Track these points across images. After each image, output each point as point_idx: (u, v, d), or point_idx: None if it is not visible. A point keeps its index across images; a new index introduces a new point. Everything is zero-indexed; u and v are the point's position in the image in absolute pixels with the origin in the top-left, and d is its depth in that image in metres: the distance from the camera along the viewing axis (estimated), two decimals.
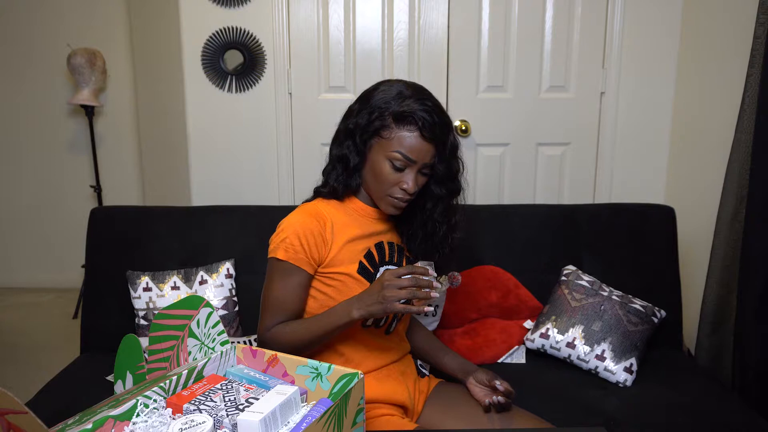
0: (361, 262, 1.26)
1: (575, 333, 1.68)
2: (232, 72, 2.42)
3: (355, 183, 1.27)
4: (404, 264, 1.34)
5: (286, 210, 1.36)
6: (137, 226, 1.83)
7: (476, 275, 1.83)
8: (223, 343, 1.03)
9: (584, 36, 2.42)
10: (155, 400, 0.88)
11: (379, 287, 1.11)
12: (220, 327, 1.03)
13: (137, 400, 0.85)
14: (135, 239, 1.80)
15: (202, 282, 1.72)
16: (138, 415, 0.85)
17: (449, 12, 2.39)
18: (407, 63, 2.43)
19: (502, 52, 2.43)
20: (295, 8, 2.38)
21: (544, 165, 2.53)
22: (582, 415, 1.47)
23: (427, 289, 1.10)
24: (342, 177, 1.27)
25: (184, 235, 1.82)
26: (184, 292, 1.70)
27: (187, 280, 1.72)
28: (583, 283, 1.75)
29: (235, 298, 1.76)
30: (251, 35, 2.38)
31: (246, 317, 1.77)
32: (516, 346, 1.78)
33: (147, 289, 1.70)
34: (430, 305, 1.10)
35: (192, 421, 0.81)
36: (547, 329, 1.72)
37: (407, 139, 1.18)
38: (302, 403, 0.93)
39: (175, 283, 1.71)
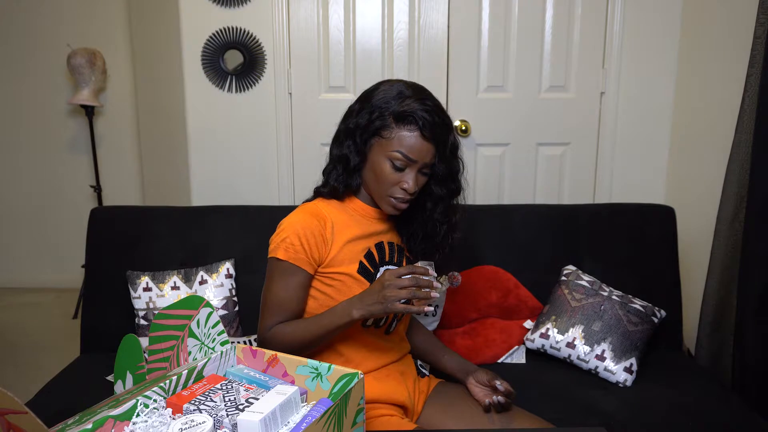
0: (361, 262, 1.26)
1: (575, 333, 1.68)
2: (232, 72, 2.42)
3: (355, 183, 1.27)
4: (404, 264, 1.34)
5: (286, 210, 1.36)
6: (137, 226, 1.83)
7: (476, 275, 1.83)
8: (223, 343, 1.03)
9: (584, 36, 2.42)
10: (155, 400, 0.88)
11: (380, 287, 1.11)
12: (220, 327, 1.03)
13: (137, 400, 0.85)
14: (135, 239, 1.80)
15: (202, 282, 1.72)
16: (138, 415, 0.85)
17: (449, 12, 2.39)
18: (407, 63, 2.42)
19: (502, 52, 2.43)
20: (295, 8, 2.38)
21: (544, 165, 2.53)
22: (582, 415, 1.47)
23: (427, 289, 1.10)
24: (342, 177, 1.27)
25: (184, 235, 1.82)
26: (184, 292, 1.70)
27: (187, 280, 1.72)
28: (583, 283, 1.75)
29: (235, 298, 1.76)
30: (251, 35, 2.38)
31: (246, 317, 1.77)
32: (516, 346, 1.78)
33: (147, 289, 1.70)
34: (430, 305, 1.10)
35: (192, 421, 0.81)
36: (547, 329, 1.72)
37: (407, 138, 1.18)
38: (302, 403, 0.93)
39: (175, 283, 1.71)
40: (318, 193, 1.32)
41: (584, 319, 1.68)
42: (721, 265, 1.88)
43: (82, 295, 2.86)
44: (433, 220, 1.31)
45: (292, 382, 0.98)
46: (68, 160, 3.43)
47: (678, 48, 2.40)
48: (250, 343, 1.67)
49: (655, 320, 1.72)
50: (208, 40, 2.38)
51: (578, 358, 1.66)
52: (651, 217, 1.89)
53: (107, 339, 1.67)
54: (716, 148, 2.09)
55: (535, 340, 1.73)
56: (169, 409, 0.88)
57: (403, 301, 1.10)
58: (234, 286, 1.76)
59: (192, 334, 1.01)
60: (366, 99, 1.24)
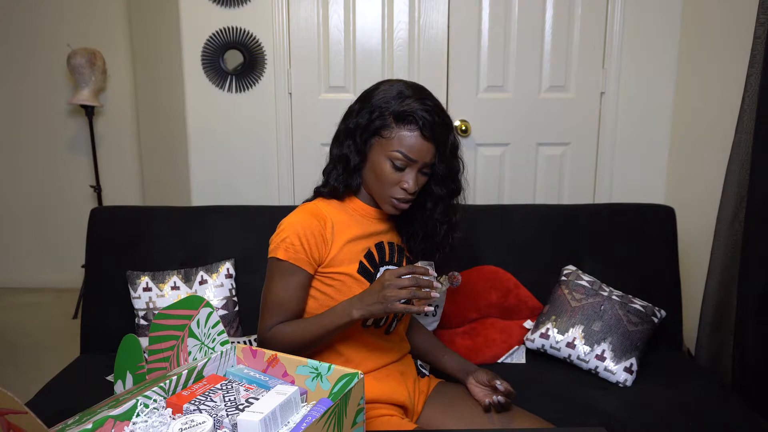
0: (361, 262, 1.26)
1: (575, 333, 1.68)
2: (232, 72, 2.42)
3: (355, 183, 1.27)
4: (404, 264, 1.34)
5: (286, 210, 1.36)
6: (137, 226, 1.83)
7: (476, 275, 1.83)
8: (223, 343, 1.03)
9: (584, 36, 2.42)
10: (155, 400, 0.88)
11: (380, 287, 1.11)
12: (220, 327, 1.03)
13: (137, 400, 0.85)
14: (135, 239, 1.80)
15: (202, 282, 1.72)
16: (138, 415, 0.85)
17: (449, 12, 2.39)
18: (407, 63, 2.42)
19: (502, 52, 2.43)
20: (295, 8, 2.38)
21: (544, 165, 2.53)
22: (582, 415, 1.47)
23: (428, 289, 1.10)
24: (342, 177, 1.27)
25: (184, 235, 1.82)
26: (184, 292, 1.70)
27: (187, 280, 1.72)
28: (583, 283, 1.75)
29: (235, 298, 1.76)
30: (251, 35, 2.38)
31: (246, 317, 1.77)
32: (516, 346, 1.78)
33: (147, 289, 1.70)
34: (430, 305, 1.10)
35: (192, 421, 0.81)
36: (547, 329, 1.72)
37: (408, 138, 1.18)
38: (302, 403, 0.93)
39: (175, 283, 1.71)
40: (318, 193, 1.32)
41: (584, 319, 1.68)
42: (721, 265, 1.88)
43: (82, 295, 2.86)
44: (433, 219, 1.31)
45: (292, 382, 0.98)
46: (68, 160, 3.43)
47: (678, 48, 2.40)
48: (250, 343, 1.67)
49: (655, 320, 1.72)
50: (208, 40, 2.38)
51: (578, 358, 1.66)
52: (651, 217, 1.89)
53: (107, 339, 1.67)
54: (716, 148, 2.09)
55: (535, 340, 1.73)
56: (169, 409, 0.88)
57: (403, 301, 1.10)
58: (234, 286, 1.76)
59: (192, 334, 1.01)
60: (366, 99, 1.24)
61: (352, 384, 0.91)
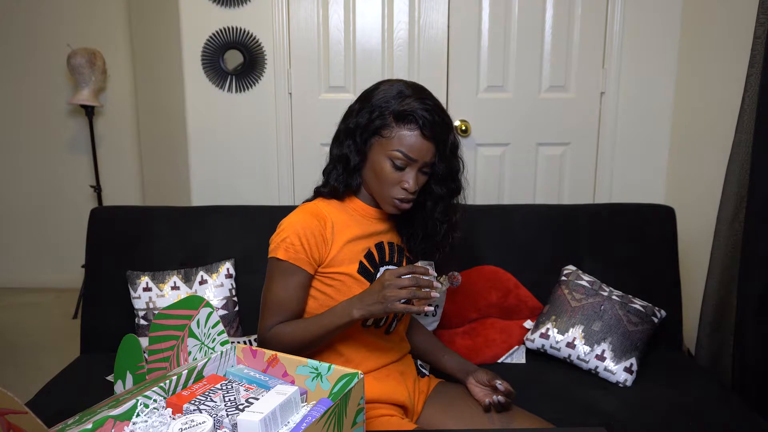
0: (361, 262, 1.26)
1: (575, 333, 1.68)
2: (232, 72, 2.42)
3: (355, 183, 1.27)
4: (404, 264, 1.34)
5: (286, 210, 1.36)
6: (137, 226, 1.83)
7: (476, 275, 1.83)
8: (223, 343, 1.03)
9: (584, 36, 2.42)
10: (155, 400, 0.88)
11: (380, 287, 1.11)
12: (220, 327, 1.03)
13: (137, 400, 0.85)
14: (135, 239, 1.80)
15: (202, 282, 1.72)
16: (138, 415, 0.85)
17: (449, 12, 2.39)
18: (407, 63, 2.43)
19: (502, 52, 2.43)
20: (295, 8, 2.38)
21: (544, 165, 2.53)
22: (582, 415, 1.47)
23: (428, 289, 1.10)
24: (342, 177, 1.27)
25: (184, 235, 1.82)
26: (184, 292, 1.70)
27: (187, 280, 1.72)
28: (583, 283, 1.75)
29: (235, 298, 1.76)
30: (251, 35, 2.38)
31: (246, 317, 1.77)
32: (516, 346, 1.78)
33: (147, 289, 1.70)
34: (430, 305, 1.10)
35: (192, 421, 0.81)
36: (547, 329, 1.72)
37: (408, 137, 1.18)
38: (302, 403, 0.93)
39: (175, 283, 1.71)
40: (318, 193, 1.32)
41: (584, 319, 1.68)
42: (721, 265, 1.88)
43: (82, 295, 2.86)
44: (434, 219, 1.31)
45: (292, 382, 0.98)
46: (68, 160, 3.43)
47: (678, 48, 2.40)
48: (250, 343, 1.67)
49: (655, 320, 1.71)
50: (208, 40, 2.38)
51: (578, 358, 1.66)
52: (651, 217, 1.89)
53: (107, 339, 1.67)
54: (716, 148, 2.09)
55: (535, 340, 1.73)
56: (169, 409, 0.88)
57: (403, 301, 1.10)
58: (234, 286, 1.76)
59: (192, 334, 1.01)
60: (366, 99, 1.24)
61: (352, 384, 0.91)
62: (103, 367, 1.59)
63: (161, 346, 1.00)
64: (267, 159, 2.49)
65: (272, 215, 1.55)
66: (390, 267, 1.30)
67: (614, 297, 1.71)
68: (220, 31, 2.38)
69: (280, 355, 1.00)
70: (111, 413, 0.81)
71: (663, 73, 2.43)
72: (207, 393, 0.91)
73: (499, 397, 1.27)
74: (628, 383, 1.61)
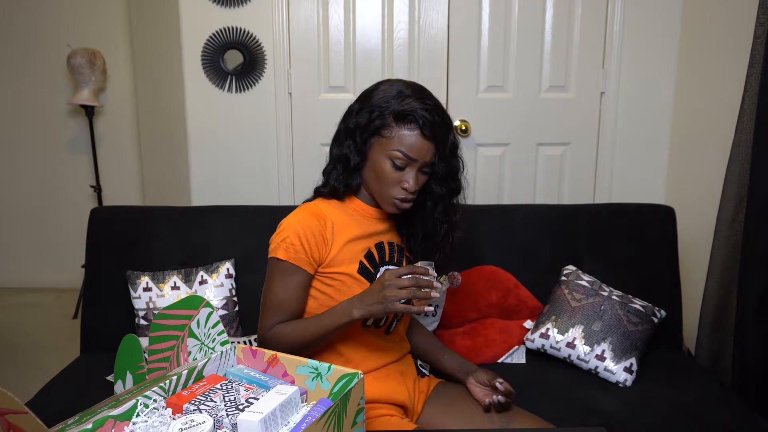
0: (361, 262, 1.26)
1: (575, 333, 1.68)
2: (232, 72, 2.42)
3: (355, 183, 1.27)
4: (404, 264, 1.34)
5: (286, 210, 1.36)
6: (137, 226, 1.83)
7: (476, 275, 1.83)
8: (223, 343, 1.03)
9: (584, 36, 2.42)
10: (155, 400, 0.88)
11: (380, 287, 1.11)
12: (220, 327, 1.03)
13: (137, 400, 0.85)
14: (135, 239, 1.80)
15: (202, 282, 1.72)
16: (138, 415, 0.85)
17: (449, 12, 2.39)
18: (407, 63, 2.42)
19: (502, 52, 2.43)
20: (295, 8, 2.38)
21: (544, 165, 2.53)
22: (582, 415, 1.47)
23: (428, 289, 1.10)
24: (342, 177, 1.27)
25: (184, 235, 1.82)
26: (184, 292, 1.70)
27: (187, 280, 1.72)
28: (583, 283, 1.75)
29: (235, 298, 1.76)
30: (251, 35, 2.38)
31: (246, 317, 1.77)
32: (516, 346, 1.78)
33: (147, 289, 1.70)
34: (430, 305, 1.10)
35: (192, 421, 0.81)
36: (547, 329, 1.72)
37: (408, 137, 1.19)
38: (302, 403, 0.93)
39: (175, 283, 1.71)
40: (318, 193, 1.32)
41: (584, 319, 1.68)
42: (721, 265, 1.88)
43: (82, 295, 2.86)
44: (434, 219, 1.31)
45: (292, 382, 0.98)
46: (68, 160, 3.43)
47: (678, 48, 2.40)
48: (250, 343, 1.67)
49: (655, 320, 1.71)
50: (208, 40, 2.38)
51: (578, 358, 1.66)
52: (651, 217, 1.89)
53: (107, 339, 1.67)
54: (716, 148, 2.09)
55: (535, 340, 1.73)
56: (169, 409, 0.88)
57: (403, 301, 1.10)
58: (234, 286, 1.76)
59: (192, 334, 1.01)
60: (366, 98, 1.24)
61: (352, 384, 0.91)
62: (103, 367, 1.59)
63: (161, 346, 1.00)
64: (267, 159, 2.49)
65: (272, 215, 1.55)
66: (390, 267, 1.30)
67: (614, 297, 1.71)
68: (220, 31, 2.38)
69: (280, 355, 1.00)
70: (111, 413, 0.81)
71: (663, 73, 2.43)
72: (207, 393, 0.91)
73: (499, 397, 1.27)
74: (628, 383, 1.61)
